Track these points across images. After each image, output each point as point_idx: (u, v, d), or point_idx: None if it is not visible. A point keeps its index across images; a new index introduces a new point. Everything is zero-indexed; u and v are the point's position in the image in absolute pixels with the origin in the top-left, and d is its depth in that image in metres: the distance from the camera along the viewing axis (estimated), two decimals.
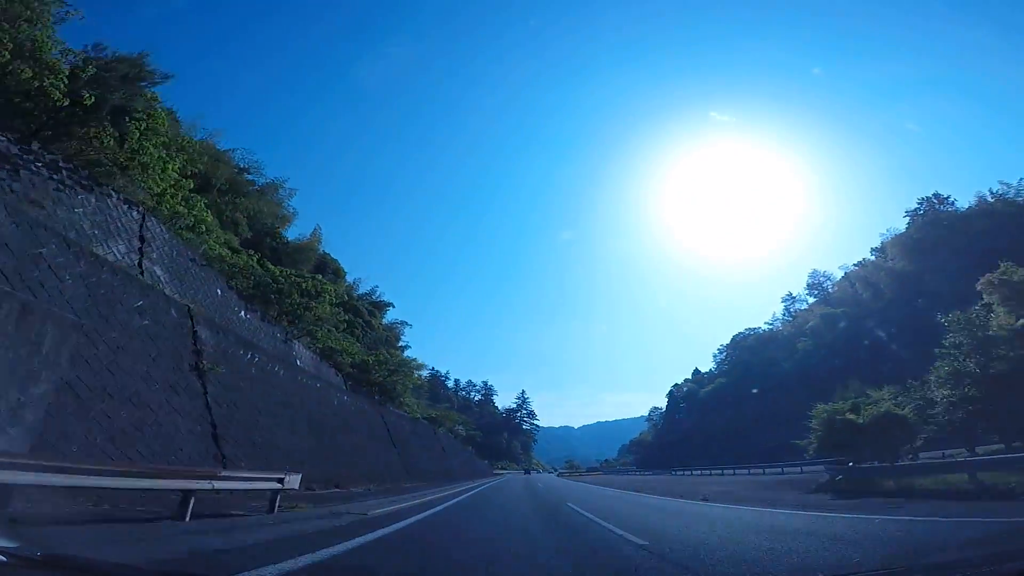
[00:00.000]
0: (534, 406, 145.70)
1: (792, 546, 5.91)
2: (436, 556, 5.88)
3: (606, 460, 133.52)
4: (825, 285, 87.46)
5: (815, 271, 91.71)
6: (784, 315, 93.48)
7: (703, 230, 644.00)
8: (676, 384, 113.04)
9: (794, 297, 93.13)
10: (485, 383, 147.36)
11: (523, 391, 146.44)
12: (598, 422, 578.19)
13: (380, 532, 7.24)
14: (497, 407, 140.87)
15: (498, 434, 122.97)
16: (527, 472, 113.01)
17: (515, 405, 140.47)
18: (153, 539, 5.67)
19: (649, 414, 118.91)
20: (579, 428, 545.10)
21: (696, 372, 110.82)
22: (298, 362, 22.23)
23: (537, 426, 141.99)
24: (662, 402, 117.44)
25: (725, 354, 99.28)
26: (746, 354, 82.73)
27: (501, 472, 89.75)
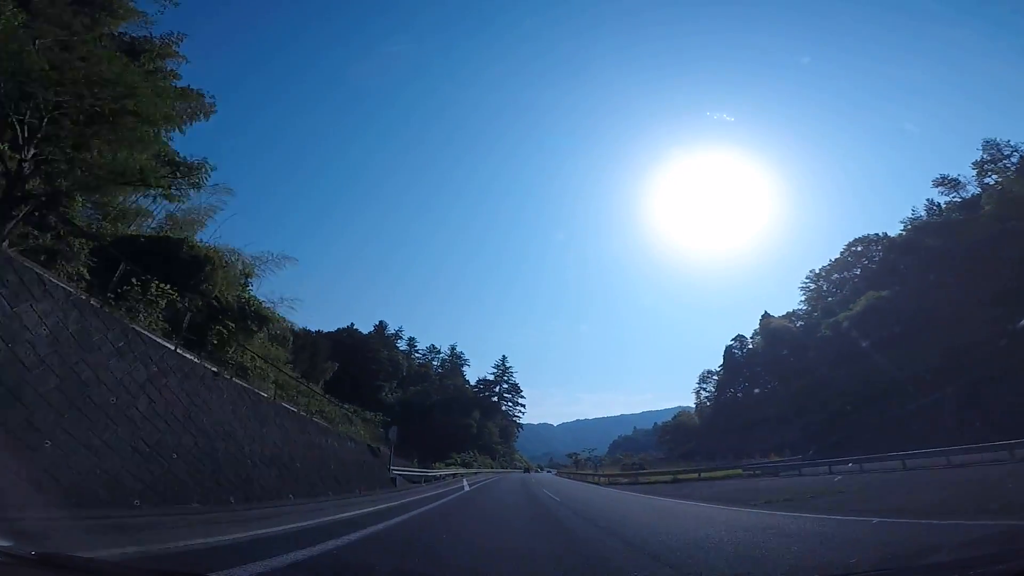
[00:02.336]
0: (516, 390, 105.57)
1: None
2: None
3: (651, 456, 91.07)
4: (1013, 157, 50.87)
5: (989, 140, 54.46)
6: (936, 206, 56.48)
7: (687, 233, 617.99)
8: (738, 336, 74.53)
9: (956, 180, 55.68)
10: (452, 348, 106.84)
11: (503, 357, 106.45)
12: (578, 420, 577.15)
13: None
14: (468, 381, 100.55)
15: (466, 414, 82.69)
16: (526, 471, 77.43)
17: (492, 376, 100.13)
18: None
19: (699, 384, 79.89)
20: (558, 425, 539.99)
21: (766, 316, 72.97)
22: None
23: (522, 405, 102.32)
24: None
25: (840, 275, 61.54)
26: (934, 240, 44.04)
27: (451, 477, 39.85)
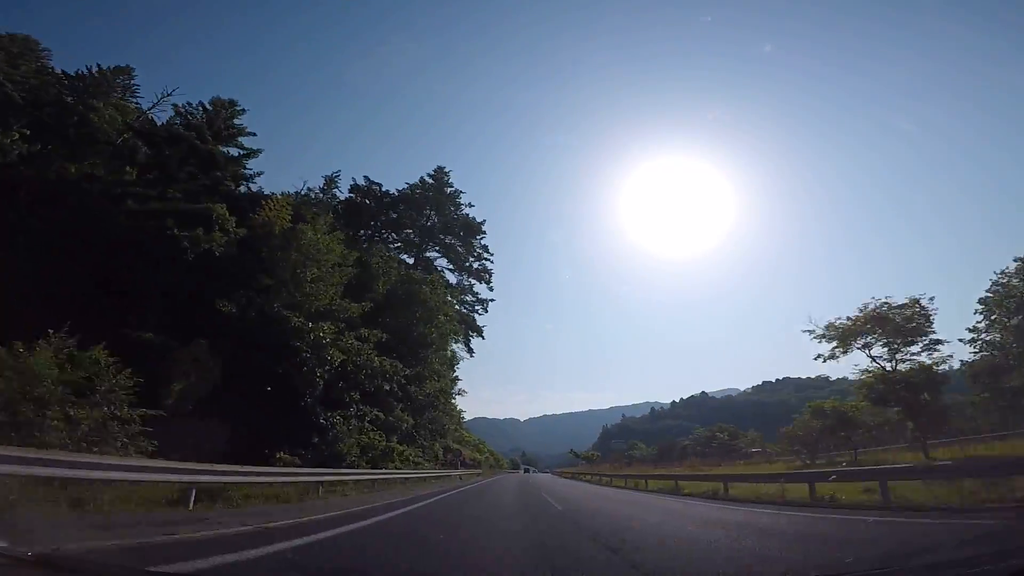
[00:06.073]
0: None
1: None
2: None
3: None
4: None
5: None
6: None
7: (650, 236, 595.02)
8: None
9: None
10: (330, 180, 43.18)
11: (440, 168, 44.43)
12: (545, 415, 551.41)
13: None
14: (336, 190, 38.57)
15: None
16: (526, 471, 68.37)
17: (409, 186, 38.15)
18: None
19: None
20: (525, 421, 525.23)
21: None
22: None
23: (486, 281, 41.00)
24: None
25: None
26: None
27: None
